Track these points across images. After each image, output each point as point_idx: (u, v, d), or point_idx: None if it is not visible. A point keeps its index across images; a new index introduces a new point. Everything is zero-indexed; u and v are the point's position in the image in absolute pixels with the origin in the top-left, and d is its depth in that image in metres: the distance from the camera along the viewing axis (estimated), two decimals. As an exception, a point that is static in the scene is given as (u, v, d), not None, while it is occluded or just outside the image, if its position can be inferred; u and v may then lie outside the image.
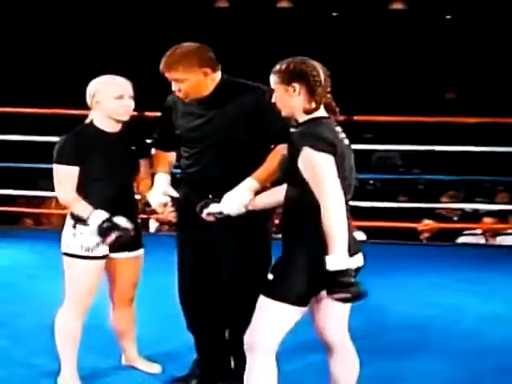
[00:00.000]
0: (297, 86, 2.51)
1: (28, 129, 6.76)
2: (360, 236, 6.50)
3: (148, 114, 5.70)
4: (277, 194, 2.74)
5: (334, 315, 2.64)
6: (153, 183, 3.12)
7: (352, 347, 2.71)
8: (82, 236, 3.11)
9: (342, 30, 11.45)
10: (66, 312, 3.20)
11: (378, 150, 9.41)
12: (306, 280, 2.44)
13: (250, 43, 10.73)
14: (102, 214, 3.01)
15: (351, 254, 2.46)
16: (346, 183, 2.49)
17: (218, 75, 3.04)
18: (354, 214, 6.79)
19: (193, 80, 2.96)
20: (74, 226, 3.13)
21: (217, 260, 3.14)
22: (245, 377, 2.59)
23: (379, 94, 10.35)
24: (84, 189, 3.08)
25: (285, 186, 2.61)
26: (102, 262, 3.17)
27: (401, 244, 6.24)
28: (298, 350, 3.35)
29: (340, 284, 2.36)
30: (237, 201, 2.81)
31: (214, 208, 2.87)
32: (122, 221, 3.03)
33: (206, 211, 2.87)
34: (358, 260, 2.55)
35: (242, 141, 2.98)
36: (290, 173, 2.50)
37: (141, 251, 3.28)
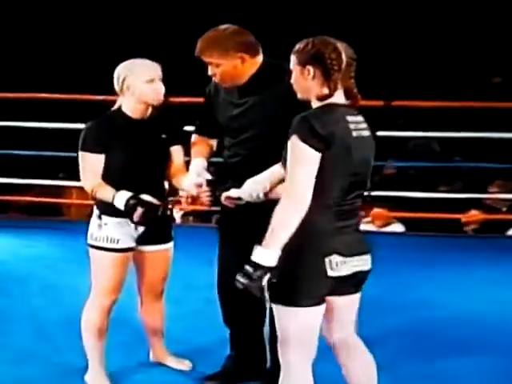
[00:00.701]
0: (311, 68, 2.47)
1: (50, 115, 6.81)
2: (398, 228, 6.47)
3: (173, 99, 5.70)
4: None
5: (341, 314, 2.61)
6: (188, 170, 3.13)
7: (361, 345, 2.66)
8: (107, 227, 3.13)
9: (380, 7, 11.34)
10: (93, 306, 3.22)
11: (415, 137, 9.33)
12: (307, 278, 2.42)
13: (281, 21, 10.68)
14: (127, 193, 3.03)
15: (348, 254, 2.45)
16: (353, 179, 2.46)
17: (259, 60, 3.03)
18: (391, 203, 6.73)
19: (228, 65, 2.96)
20: (100, 217, 3.15)
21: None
22: (280, 381, 2.57)
23: (418, 77, 10.25)
24: (109, 178, 3.09)
25: None
26: (129, 254, 3.19)
27: (444, 236, 6.18)
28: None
29: (245, 273, 2.37)
30: (256, 187, 2.80)
31: (233, 192, 2.87)
32: (147, 197, 3.04)
33: (224, 194, 2.87)
34: (359, 263, 2.51)
35: (283, 130, 2.96)
36: (285, 161, 2.46)
37: (170, 244, 3.29)
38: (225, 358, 3.39)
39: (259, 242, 3.07)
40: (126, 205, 3.00)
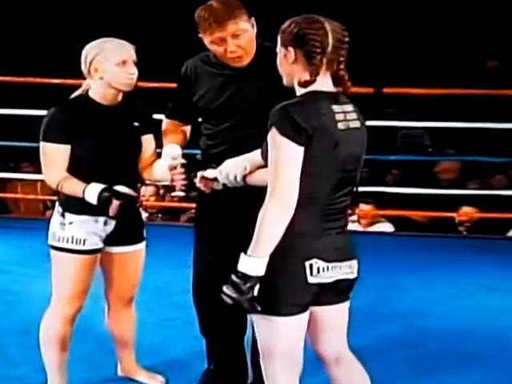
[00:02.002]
0: (292, 50, 2.43)
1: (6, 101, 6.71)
2: (387, 227, 6.50)
3: (142, 84, 5.65)
4: None
5: (328, 335, 2.59)
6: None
7: (354, 359, 2.64)
8: (71, 226, 3.08)
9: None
10: (54, 315, 3.18)
11: (404, 128, 9.38)
12: (283, 283, 2.40)
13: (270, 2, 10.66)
14: (99, 185, 2.98)
15: (331, 260, 2.42)
16: (341, 175, 2.43)
17: None
18: (377, 200, 6.77)
19: (250, 32, 2.93)
20: (63, 215, 3.10)
21: (239, 255, 3.11)
22: None
23: (408, 63, 10.29)
24: (76, 171, 3.05)
25: None
26: (96, 256, 3.15)
27: (437, 236, 6.21)
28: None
29: (233, 286, 2.35)
30: (235, 169, 2.76)
31: (208, 172, 2.83)
32: (123, 188, 3.00)
33: (199, 174, 2.84)
34: (344, 270, 2.48)
35: None
36: (265, 153, 2.44)
37: (142, 245, 3.26)
38: (202, 372, 3.37)
39: (241, 242, 3.06)
40: (100, 198, 2.96)
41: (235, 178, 2.74)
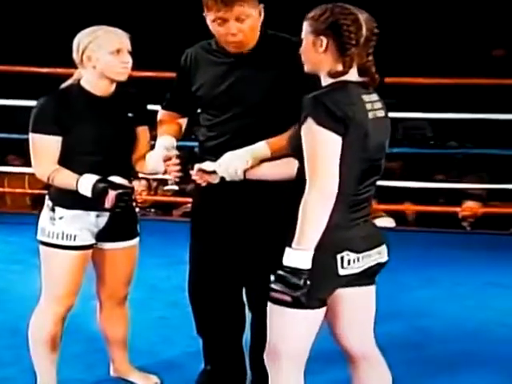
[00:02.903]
0: (325, 40, 2.45)
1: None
2: (388, 222, 6.49)
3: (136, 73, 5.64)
4: (281, 166, 2.73)
5: (354, 321, 2.63)
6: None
7: (381, 358, 2.69)
8: (62, 221, 3.07)
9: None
10: (43, 313, 3.17)
11: (405, 119, 9.38)
12: (313, 276, 2.41)
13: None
14: (93, 176, 2.97)
15: (361, 250, 2.47)
16: (368, 165, 2.47)
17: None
18: (378, 195, 6.77)
19: (256, 18, 2.90)
20: (53, 209, 3.09)
21: (238, 251, 3.12)
22: None
23: (409, 52, 10.28)
24: (67, 163, 3.03)
25: (294, 159, 2.59)
26: (88, 252, 3.14)
27: (439, 232, 6.21)
28: (320, 362, 3.32)
29: (285, 282, 2.37)
30: (235, 163, 2.78)
31: (206, 165, 2.84)
32: (118, 179, 2.99)
33: (197, 166, 2.85)
34: (375, 256, 2.54)
35: (281, 107, 2.93)
36: (296, 144, 2.46)
37: (135, 241, 3.25)
38: (198, 372, 3.37)
39: (241, 238, 3.07)
40: (94, 189, 2.94)
41: (235, 171, 2.75)
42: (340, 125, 2.37)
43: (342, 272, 2.45)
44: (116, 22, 3.13)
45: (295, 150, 2.49)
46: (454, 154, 8.69)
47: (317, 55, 2.48)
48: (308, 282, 2.37)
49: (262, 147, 2.84)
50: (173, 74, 3.26)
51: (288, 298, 2.39)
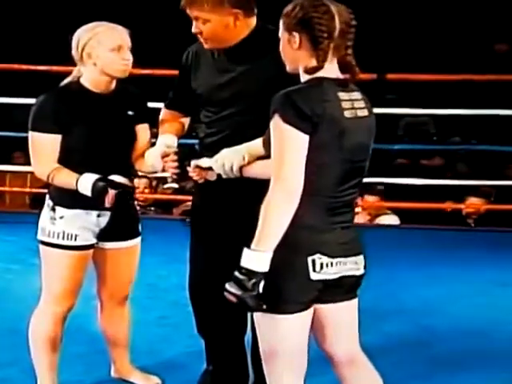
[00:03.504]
0: (297, 35, 2.41)
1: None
2: (392, 220, 6.50)
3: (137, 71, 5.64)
4: None
5: (338, 336, 2.58)
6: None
7: (367, 362, 2.64)
8: (62, 221, 3.08)
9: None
10: (44, 313, 3.17)
11: (407, 115, 9.38)
12: (285, 279, 2.39)
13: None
14: (93, 175, 2.97)
15: (336, 255, 2.41)
16: (347, 167, 2.41)
17: (253, 22, 2.99)
18: (385, 192, 6.73)
19: (219, 22, 2.91)
20: (53, 209, 3.09)
21: (238, 250, 3.11)
22: None
23: (411, 47, 10.27)
24: (67, 161, 3.03)
25: None
26: (89, 252, 3.15)
27: (444, 229, 6.21)
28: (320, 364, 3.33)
29: (236, 282, 2.33)
30: (231, 159, 2.76)
31: (203, 161, 2.83)
32: (118, 178, 2.99)
33: (194, 163, 2.84)
34: (350, 266, 2.46)
35: None
36: (268, 142, 2.43)
37: (137, 240, 3.25)
38: (200, 373, 3.37)
39: (240, 237, 3.06)
40: (94, 188, 2.94)
41: (231, 168, 2.73)
42: (307, 123, 2.32)
43: (314, 276, 2.38)
44: (116, 19, 3.13)
45: (267, 147, 2.45)
46: (458, 150, 8.69)
47: (293, 52, 2.44)
48: (260, 286, 2.31)
49: (258, 144, 2.84)
50: (173, 72, 3.26)
51: (233, 299, 2.33)
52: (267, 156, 2.73)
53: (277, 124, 2.34)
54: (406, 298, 4.57)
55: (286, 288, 2.38)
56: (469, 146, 8.23)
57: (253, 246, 2.33)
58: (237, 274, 2.33)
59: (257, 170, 2.73)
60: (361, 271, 2.50)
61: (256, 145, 2.79)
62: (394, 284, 4.78)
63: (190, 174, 2.88)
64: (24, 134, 3.09)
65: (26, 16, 10.33)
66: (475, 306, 4.48)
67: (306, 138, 2.33)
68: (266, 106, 2.91)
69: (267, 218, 2.32)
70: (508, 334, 4.08)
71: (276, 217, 2.32)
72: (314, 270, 2.38)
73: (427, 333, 4.06)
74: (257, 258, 2.32)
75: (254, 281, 2.31)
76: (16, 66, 6.57)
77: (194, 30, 2.95)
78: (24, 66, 6.54)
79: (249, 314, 3.24)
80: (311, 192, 2.36)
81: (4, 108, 7.19)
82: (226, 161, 2.73)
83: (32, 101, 3.11)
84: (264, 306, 2.36)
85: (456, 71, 7.12)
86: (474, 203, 6.56)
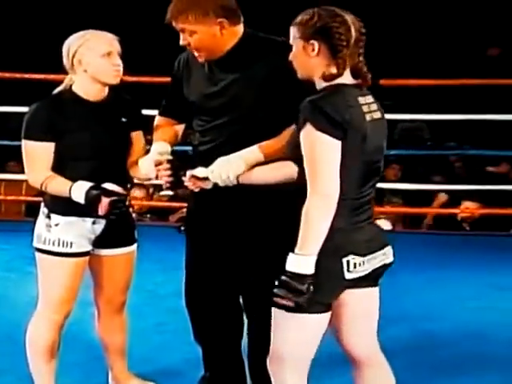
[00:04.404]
0: (316, 44, 2.47)
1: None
2: (384, 225, 6.49)
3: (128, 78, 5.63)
4: (274, 170, 2.75)
5: (358, 324, 2.64)
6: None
7: (385, 362, 2.70)
8: (58, 228, 3.07)
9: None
10: (41, 321, 3.16)
11: (402, 121, 9.40)
12: (319, 281, 2.43)
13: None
14: (86, 183, 2.97)
15: (366, 253, 2.49)
16: (368, 168, 2.49)
17: (240, 29, 2.99)
18: (377, 198, 6.77)
19: (206, 33, 2.91)
20: (49, 216, 3.09)
21: (234, 257, 3.11)
22: None
23: (404, 53, 10.29)
24: (61, 169, 3.03)
25: (288, 162, 2.62)
26: (85, 259, 3.14)
27: (438, 234, 6.21)
28: (324, 367, 3.32)
29: (287, 287, 2.39)
30: (227, 168, 2.78)
31: (199, 171, 2.84)
32: (111, 186, 2.99)
33: (189, 173, 2.86)
34: (380, 258, 2.55)
35: (271, 111, 2.92)
36: (294, 149, 2.49)
37: (133, 247, 3.25)
38: (197, 379, 3.36)
39: (235, 243, 3.07)
40: (88, 196, 2.94)
41: (228, 177, 2.76)
42: (339, 130, 2.39)
43: (348, 276, 2.46)
44: (108, 28, 3.14)
45: (294, 155, 2.50)
46: (452, 155, 8.71)
47: (309, 60, 2.50)
48: (311, 288, 2.38)
49: (254, 152, 2.85)
50: (166, 79, 3.26)
51: (291, 304, 2.40)
52: (264, 162, 2.77)
53: (309, 133, 2.40)
54: (404, 302, 4.56)
55: (320, 289, 2.43)
56: (463, 150, 8.24)
57: (297, 250, 2.40)
58: (285, 279, 2.39)
59: (253, 178, 2.79)
60: (390, 259, 2.59)
61: (251, 152, 2.83)
62: (392, 289, 4.75)
63: (186, 184, 2.89)
64: (19, 143, 3.09)
65: (21, 25, 10.35)
66: (473, 309, 4.48)
67: (339, 144, 2.40)
68: (259, 114, 2.93)
69: (308, 224, 2.39)
70: (506, 337, 4.08)
71: (316, 222, 2.40)
72: (349, 270, 2.46)
73: (426, 337, 4.07)
74: (304, 261, 2.39)
75: (307, 284, 2.38)
76: (11, 75, 6.57)
77: (181, 42, 2.96)
78: (19, 75, 6.55)
79: (244, 321, 3.24)
80: (339, 195, 2.43)
81: (0, 117, 7.21)
82: (223, 171, 2.78)
83: (27, 109, 3.11)
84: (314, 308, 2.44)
85: (449, 76, 7.13)
86: (468, 207, 6.57)
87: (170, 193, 6.87)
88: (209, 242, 3.15)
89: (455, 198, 6.80)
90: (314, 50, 2.47)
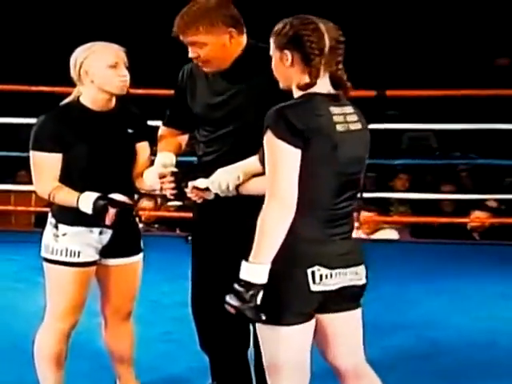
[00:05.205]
0: (289, 53, 2.46)
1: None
2: (392, 234, 6.49)
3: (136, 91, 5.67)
4: None
5: (341, 344, 2.59)
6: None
7: (371, 373, 2.65)
8: (65, 238, 3.09)
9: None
10: (49, 330, 3.18)
11: (409, 130, 9.40)
12: (288, 291, 2.42)
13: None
14: (93, 193, 3.00)
15: (335, 266, 2.44)
16: (342, 179, 2.45)
17: (244, 39, 3.02)
18: (383, 206, 6.74)
19: (216, 43, 2.93)
20: (56, 226, 3.11)
21: (238, 266, 3.12)
22: None
23: (411, 63, 10.29)
24: (68, 180, 3.06)
25: None
26: (92, 268, 3.16)
27: (446, 243, 6.20)
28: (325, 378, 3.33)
29: (235, 295, 2.37)
30: (227, 177, 2.78)
31: (200, 182, 2.86)
32: (118, 196, 3.01)
33: (190, 184, 2.87)
34: (350, 276, 2.49)
35: None
36: (262, 157, 2.48)
37: (139, 256, 3.26)
38: (204, 388, 3.38)
39: (239, 252, 3.08)
40: (95, 207, 2.97)
41: (227, 187, 2.76)
42: (299, 138, 2.37)
43: (314, 288, 2.41)
44: (115, 40, 3.16)
45: (262, 162, 2.49)
46: (459, 165, 8.71)
47: (285, 70, 2.50)
48: (257, 297, 2.36)
49: (252, 162, 2.86)
50: (168, 92, 3.29)
51: (233, 311, 2.38)
52: (263, 173, 2.78)
53: (269, 139, 2.39)
54: (410, 311, 4.57)
55: (287, 299, 2.41)
56: (469, 160, 8.24)
57: (250, 258, 2.38)
58: (236, 286, 2.38)
59: (252, 188, 2.77)
60: (362, 281, 2.53)
61: (250, 163, 2.82)
62: (398, 297, 4.77)
63: (189, 195, 2.92)
64: (29, 154, 3.11)
65: (31, 39, 10.40)
66: (479, 318, 4.47)
67: (298, 152, 2.37)
68: (261, 125, 2.95)
69: (263, 232, 2.38)
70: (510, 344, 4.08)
71: (271, 230, 2.38)
72: (314, 282, 2.42)
73: (431, 346, 4.07)
74: (254, 270, 2.37)
75: (251, 292, 2.35)
76: (21, 87, 6.65)
77: (191, 55, 2.97)
78: (28, 87, 6.62)
79: (251, 329, 3.25)
80: (308, 205, 2.41)
81: (10, 128, 7.25)
82: (222, 181, 2.77)
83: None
84: (263, 317, 2.39)
85: (457, 85, 7.13)
86: (479, 217, 6.55)
87: (179, 203, 6.91)
88: (213, 251, 3.17)
89: (463, 208, 6.78)
90: (288, 59, 2.46)
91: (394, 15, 10.49)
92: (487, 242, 6.35)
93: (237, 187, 2.77)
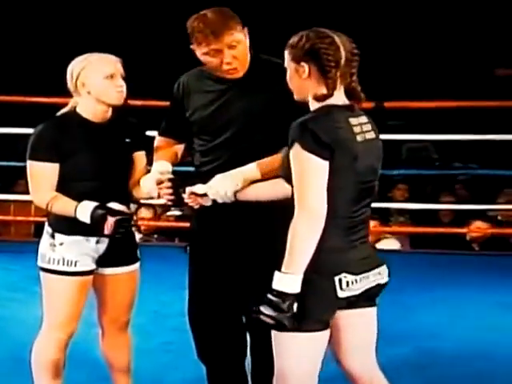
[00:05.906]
0: (306, 65, 2.51)
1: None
2: (393, 244, 6.49)
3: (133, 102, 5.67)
4: (270, 187, 2.78)
5: (356, 344, 2.64)
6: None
7: (384, 380, 2.70)
8: (62, 247, 3.09)
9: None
10: (45, 340, 3.17)
11: (409, 141, 9.41)
12: (313, 300, 2.46)
13: (267, 12, 10.67)
14: (91, 202, 3.00)
15: (360, 272, 2.50)
16: (360, 188, 2.51)
17: None
18: (382, 217, 6.75)
19: (245, 42, 2.95)
20: (53, 236, 3.11)
21: (235, 275, 3.12)
22: None
23: (411, 73, 10.31)
24: (66, 189, 3.06)
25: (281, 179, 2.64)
26: (89, 278, 3.15)
27: (446, 253, 6.19)
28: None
29: (270, 305, 2.41)
30: (225, 185, 2.81)
31: (198, 188, 2.87)
32: (116, 205, 3.02)
33: (188, 189, 2.89)
34: (374, 277, 2.57)
35: (270, 133, 2.94)
36: (285, 169, 2.52)
37: (136, 265, 3.25)
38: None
39: (237, 262, 3.08)
40: (93, 216, 2.97)
41: (226, 193, 2.79)
42: (326, 150, 2.42)
43: (341, 294, 2.47)
44: (112, 51, 3.17)
45: (286, 175, 2.53)
46: (459, 175, 8.72)
47: (301, 81, 2.54)
48: (294, 307, 2.40)
49: (251, 169, 2.87)
50: (164, 103, 3.29)
51: (270, 321, 2.42)
52: (261, 179, 2.79)
53: (297, 152, 2.44)
54: (409, 321, 4.56)
55: (312, 307, 2.46)
56: (469, 170, 8.24)
57: (283, 268, 2.42)
58: (270, 296, 2.42)
59: (251, 194, 2.83)
60: (385, 279, 2.62)
61: (248, 169, 2.85)
62: (398, 308, 4.75)
63: (186, 201, 2.92)
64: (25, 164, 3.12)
65: (29, 49, 10.43)
66: (479, 328, 4.46)
67: (326, 163, 2.43)
68: (259, 135, 2.96)
69: (295, 243, 2.42)
70: (511, 355, 4.07)
71: (303, 240, 2.42)
72: (341, 289, 2.48)
73: (431, 356, 4.06)
74: (288, 280, 2.42)
75: (288, 302, 2.40)
76: (18, 98, 6.68)
77: (227, 59, 2.92)
78: (27, 98, 6.66)
79: (248, 338, 3.24)
80: (330, 215, 2.46)
81: (8, 138, 7.26)
82: (220, 187, 2.81)
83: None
84: (302, 327, 2.45)
85: (456, 96, 7.14)
86: (478, 227, 6.54)
87: (178, 212, 6.91)
88: (211, 261, 3.16)
89: (461, 218, 6.78)
90: (304, 71, 2.51)
91: (394, 26, 10.52)
92: (486, 252, 6.34)
93: (235, 193, 2.80)
